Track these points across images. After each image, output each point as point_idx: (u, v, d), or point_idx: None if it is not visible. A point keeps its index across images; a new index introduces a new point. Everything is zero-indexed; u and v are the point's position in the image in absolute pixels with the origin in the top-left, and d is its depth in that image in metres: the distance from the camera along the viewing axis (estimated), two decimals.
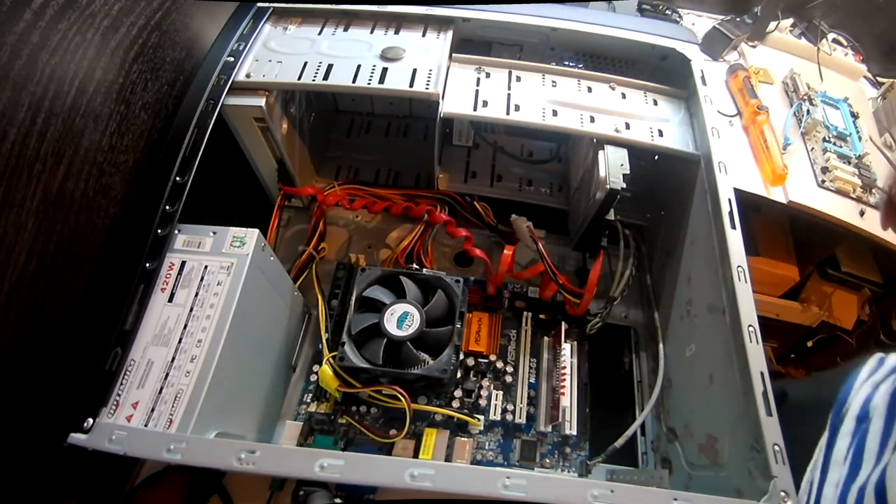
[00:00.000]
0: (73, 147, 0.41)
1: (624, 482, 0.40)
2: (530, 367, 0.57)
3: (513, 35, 0.61)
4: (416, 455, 0.50)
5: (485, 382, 0.55)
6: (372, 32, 0.57)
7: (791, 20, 0.93)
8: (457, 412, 0.52)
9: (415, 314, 0.49)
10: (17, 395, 0.40)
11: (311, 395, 0.55)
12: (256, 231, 0.45)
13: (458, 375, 0.54)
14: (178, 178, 0.46)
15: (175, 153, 0.46)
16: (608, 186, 0.50)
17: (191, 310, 0.42)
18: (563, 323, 0.56)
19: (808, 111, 0.79)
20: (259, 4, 0.59)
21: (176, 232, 0.44)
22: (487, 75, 0.56)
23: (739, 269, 0.43)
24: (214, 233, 0.45)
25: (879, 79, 0.92)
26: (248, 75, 0.52)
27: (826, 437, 0.47)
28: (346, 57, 0.54)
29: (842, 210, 0.70)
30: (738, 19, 0.88)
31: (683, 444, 0.50)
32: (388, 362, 0.48)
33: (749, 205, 0.74)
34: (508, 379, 0.56)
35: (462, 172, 0.67)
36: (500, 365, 0.57)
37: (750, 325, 0.41)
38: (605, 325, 0.60)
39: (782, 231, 0.81)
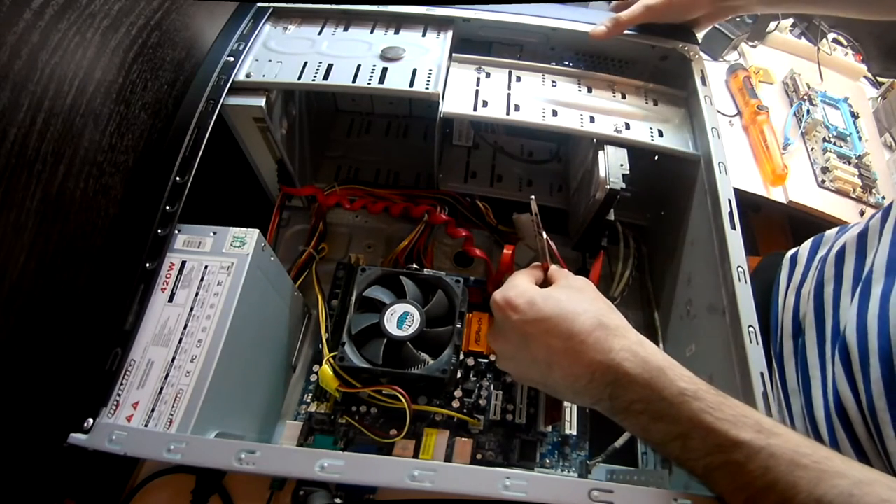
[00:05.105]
0: (73, 147, 0.41)
1: (624, 482, 0.40)
2: None
3: (513, 35, 0.61)
4: (416, 455, 0.50)
5: (485, 382, 0.55)
6: (372, 32, 0.57)
7: (791, 20, 0.93)
8: (457, 412, 0.52)
9: (415, 314, 0.49)
10: (17, 394, 0.40)
11: (311, 395, 0.55)
12: (256, 231, 0.45)
13: (458, 375, 0.54)
14: (178, 178, 0.45)
15: (175, 153, 0.46)
16: (608, 186, 0.50)
17: (191, 310, 0.41)
18: None
19: (808, 111, 0.79)
20: (259, 4, 0.59)
21: (176, 232, 0.44)
22: (487, 75, 0.56)
23: (739, 269, 0.43)
24: (214, 233, 0.45)
25: (879, 79, 0.93)
26: (248, 75, 0.52)
27: (776, 370, 0.46)
28: (346, 57, 0.54)
29: (842, 210, 0.71)
30: (738, 19, 0.88)
31: None
32: (389, 362, 0.48)
33: (749, 205, 0.75)
34: (508, 379, 0.56)
35: (462, 172, 0.67)
36: None
37: (750, 326, 0.41)
38: None
39: (782, 231, 0.81)
